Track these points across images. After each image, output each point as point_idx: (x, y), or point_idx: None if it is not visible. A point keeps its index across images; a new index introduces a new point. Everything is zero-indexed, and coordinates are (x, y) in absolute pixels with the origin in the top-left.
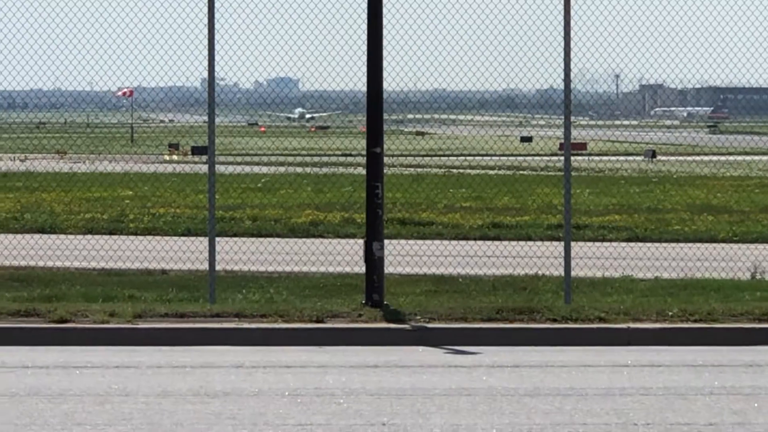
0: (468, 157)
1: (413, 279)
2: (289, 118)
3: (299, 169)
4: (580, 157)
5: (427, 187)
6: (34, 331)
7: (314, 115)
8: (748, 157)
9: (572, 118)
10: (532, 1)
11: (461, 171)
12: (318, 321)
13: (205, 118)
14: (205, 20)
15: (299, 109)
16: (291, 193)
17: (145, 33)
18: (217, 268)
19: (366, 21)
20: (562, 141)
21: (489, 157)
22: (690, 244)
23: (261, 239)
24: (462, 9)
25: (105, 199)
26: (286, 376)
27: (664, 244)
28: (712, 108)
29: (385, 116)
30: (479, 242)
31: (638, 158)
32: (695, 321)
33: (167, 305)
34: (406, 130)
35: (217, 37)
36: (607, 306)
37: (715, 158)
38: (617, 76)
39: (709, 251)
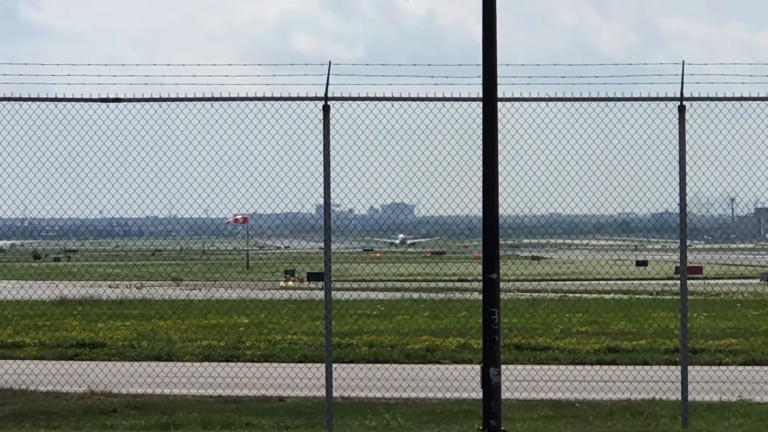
0: (584, 282)
1: (530, 404)
2: (391, 244)
3: (415, 295)
4: (696, 281)
5: (543, 312)
6: None
7: (415, 240)
8: None
9: (688, 242)
10: (647, 126)
11: (577, 295)
12: None
13: (321, 244)
14: (320, 147)
15: (401, 235)
16: (407, 319)
17: (261, 160)
18: (334, 394)
19: (481, 147)
20: (678, 265)
21: (605, 282)
22: None
23: (377, 365)
24: (577, 134)
25: (221, 326)
26: None
27: None
28: None
29: (501, 241)
30: (596, 367)
31: (754, 281)
32: None
33: None
34: (521, 254)
35: (332, 164)
36: (724, 430)
37: None
38: (732, 200)
39: None
